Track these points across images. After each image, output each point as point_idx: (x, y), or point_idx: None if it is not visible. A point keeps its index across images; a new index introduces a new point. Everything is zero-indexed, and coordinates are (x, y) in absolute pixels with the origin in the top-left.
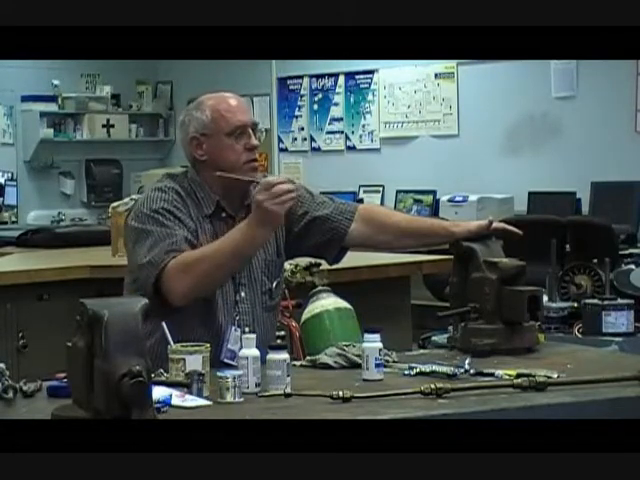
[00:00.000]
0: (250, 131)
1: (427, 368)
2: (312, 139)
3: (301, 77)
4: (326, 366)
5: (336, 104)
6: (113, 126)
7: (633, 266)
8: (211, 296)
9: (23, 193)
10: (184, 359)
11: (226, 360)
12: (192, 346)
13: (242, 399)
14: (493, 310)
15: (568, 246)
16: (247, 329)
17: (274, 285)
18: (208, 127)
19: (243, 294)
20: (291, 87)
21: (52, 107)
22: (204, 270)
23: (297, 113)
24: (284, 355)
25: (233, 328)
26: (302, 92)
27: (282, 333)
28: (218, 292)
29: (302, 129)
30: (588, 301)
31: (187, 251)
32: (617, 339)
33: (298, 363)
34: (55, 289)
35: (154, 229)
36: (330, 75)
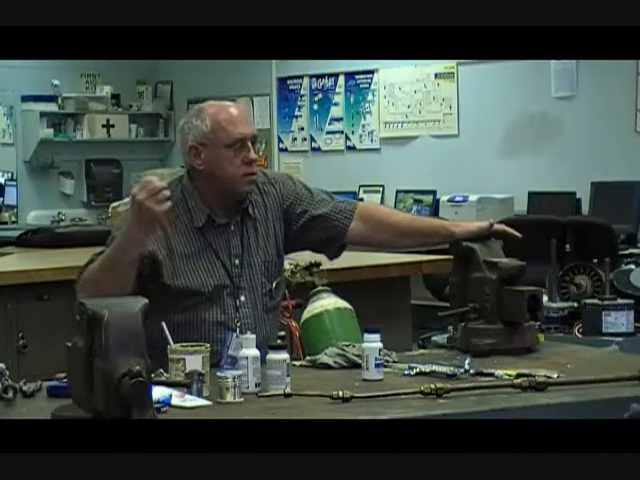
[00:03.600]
0: (249, 144)
1: (427, 368)
2: (312, 139)
3: (301, 77)
4: (326, 366)
5: (336, 104)
6: (113, 126)
7: (633, 266)
8: (208, 306)
9: (23, 193)
10: (184, 359)
11: (226, 367)
12: (192, 346)
13: (242, 399)
14: (493, 310)
15: (568, 246)
16: (249, 332)
17: (274, 285)
18: (207, 137)
19: (243, 298)
20: (291, 87)
21: (52, 107)
22: (96, 280)
23: (297, 113)
24: (284, 355)
25: (234, 334)
26: (302, 92)
27: (282, 333)
28: (215, 297)
29: (302, 129)
30: (588, 301)
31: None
32: (617, 339)
33: (298, 363)
34: (55, 289)
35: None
36: (330, 75)
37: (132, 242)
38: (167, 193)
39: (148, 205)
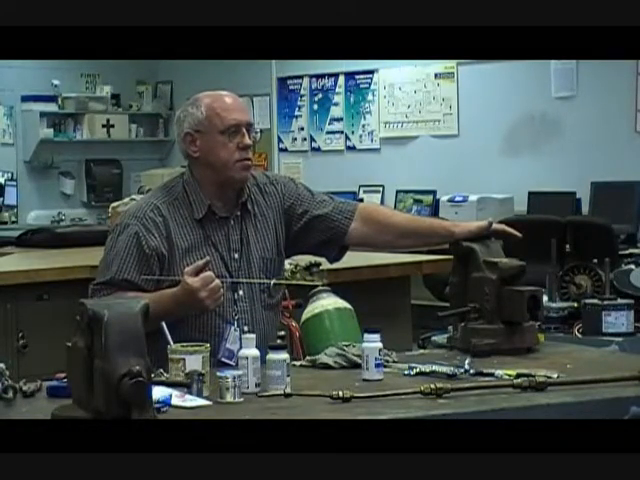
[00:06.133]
0: (244, 130)
1: (427, 368)
2: (312, 139)
3: (301, 77)
4: (326, 366)
5: (336, 104)
6: (113, 126)
7: (633, 266)
8: None
9: (23, 193)
10: (184, 359)
11: (224, 359)
12: (192, 346)
13: (242, 399)
14: (493, 310)
15: (568, 246)
16: (246, 328)
17: (272, 283)
18: (202, 124)
19: (241, 292)
20: (291, 87)
21: (52, 107)
22: None
23: (297, 113)
24: (284, 355)
25: (232, 328)
26: (302, 92)
27: (282, 333)
28: None
29: (302, 129)
30: (588, 301)
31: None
32: (617, 339)
33: (298, 363)
34: (55, 289)
35: (116, 252)
36: (330, 75)
37: (168, 313)
38: (222, 293)
39: (201, 296)
